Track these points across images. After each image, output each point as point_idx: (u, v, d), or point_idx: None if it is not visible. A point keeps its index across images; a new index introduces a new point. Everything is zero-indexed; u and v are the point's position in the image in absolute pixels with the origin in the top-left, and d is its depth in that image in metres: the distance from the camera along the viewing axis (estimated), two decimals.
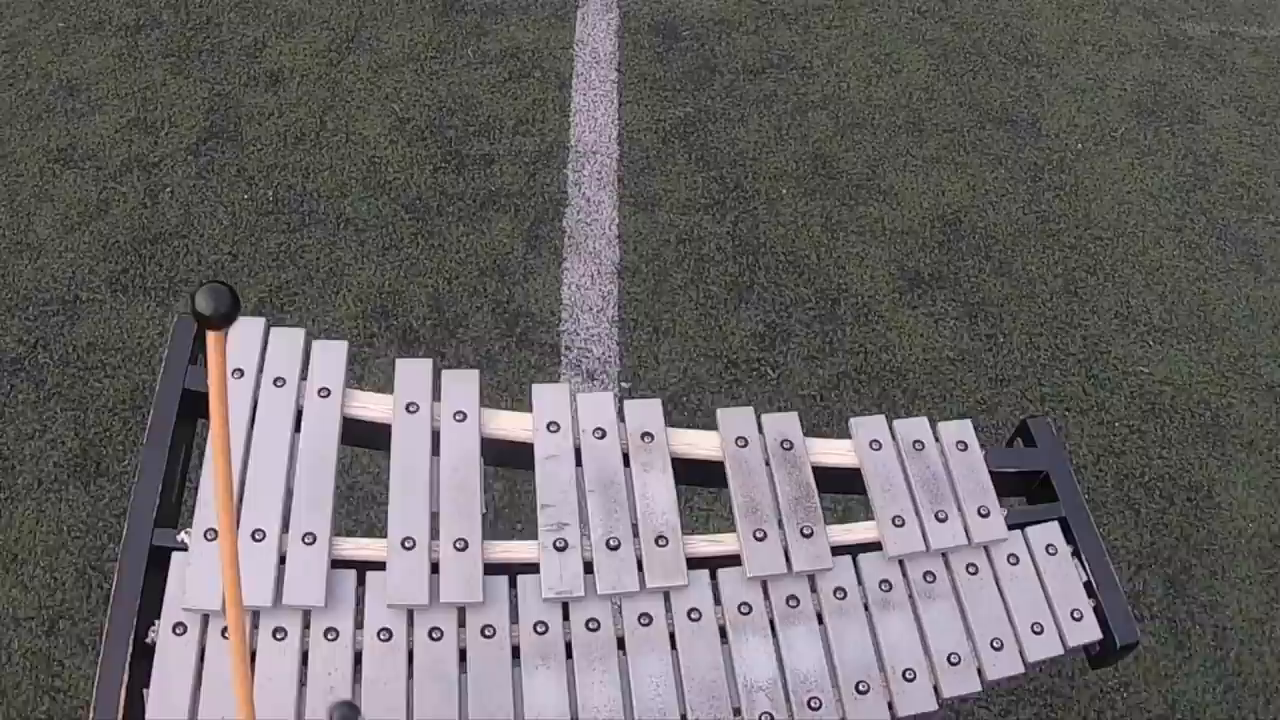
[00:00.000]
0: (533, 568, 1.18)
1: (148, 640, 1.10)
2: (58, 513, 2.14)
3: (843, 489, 1.33)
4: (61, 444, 2.24)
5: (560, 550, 1.18)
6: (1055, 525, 1.31)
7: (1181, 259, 2.82)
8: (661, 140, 2.98)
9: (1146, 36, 3.50)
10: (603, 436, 1.27)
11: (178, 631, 1.10)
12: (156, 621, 1.11)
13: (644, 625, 1.17)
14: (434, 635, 1.13)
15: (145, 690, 1.08)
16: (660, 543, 1.21)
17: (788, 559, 1.22)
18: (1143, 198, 2.97)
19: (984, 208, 2.90)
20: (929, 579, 1.24)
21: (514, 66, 3.15)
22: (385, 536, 1.18)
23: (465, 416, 1.26)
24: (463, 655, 1.13)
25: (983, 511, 1.29)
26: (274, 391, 1.24)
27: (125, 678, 1.07)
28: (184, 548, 1.14)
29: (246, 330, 1.28)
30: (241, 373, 1.25)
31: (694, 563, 1.21)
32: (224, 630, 1.09)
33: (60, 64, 3.07)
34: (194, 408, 1.25)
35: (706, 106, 3.09)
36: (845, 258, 2.73)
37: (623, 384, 2.38)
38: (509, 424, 1.28)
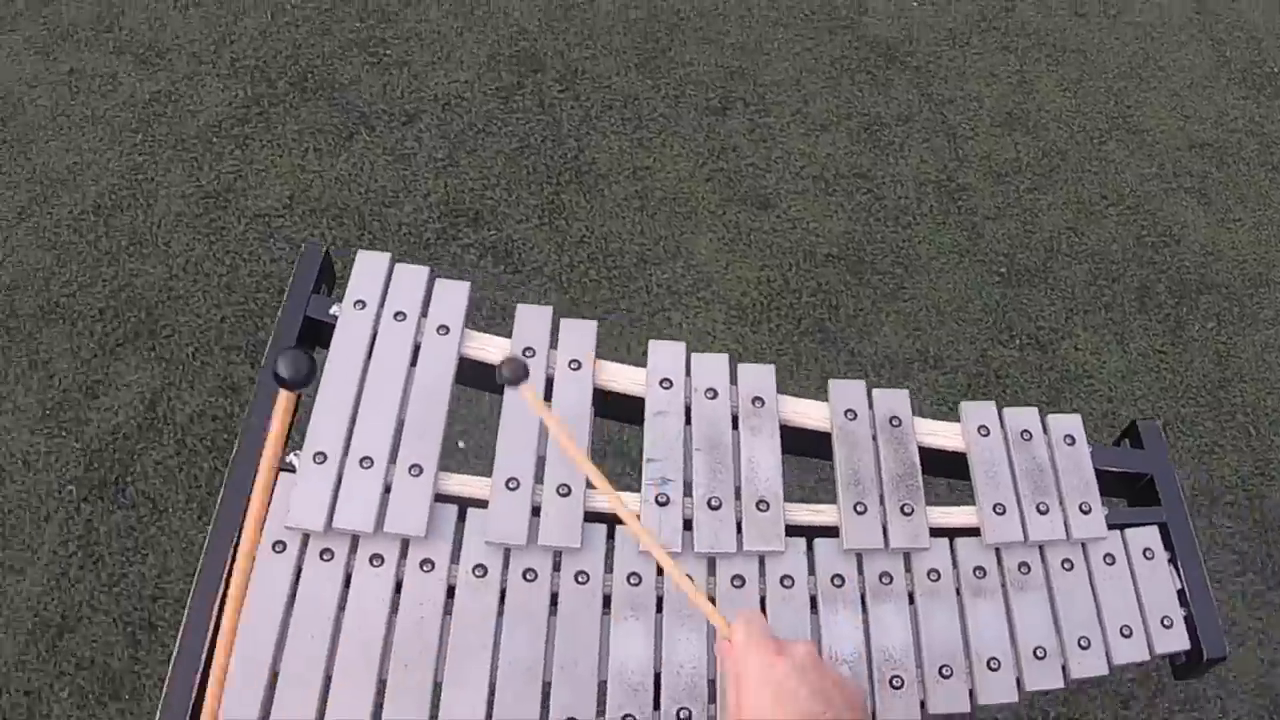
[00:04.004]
0: None
1: None
2: None
3: (946, 472, 1.32)
4: None
5: (662, 505, 1.19)
6: (1155, 530, 1.29)
7: None
8: None
9: None
10: (714, 397, 1.27)
11: (277, 549, 1.12)
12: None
13: (736, 587, 1.17)
14: (528, 576, 1.14)
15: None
16: (761, 507, 1.21)
17: (885, 535, 1.22)
18: None
19: None
20: (1024, 570, 1.23)
21: None
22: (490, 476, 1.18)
23: (580, 365, 1.27)
24: (554, 599, 1.13)
25: (1084, 508, 1.27)
26: (394, 325, 1.25)
27: (221, 589, 1.09)
28: (291, 469, 1.16)
29: (372, 263, 1.29)
30: (364, 304, 1.26)
31: (792, 530, 1.21)
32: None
33: None
34: (313, 335, 1.27)
35: None
36: None
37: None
38: (622, 376, 1.28)
